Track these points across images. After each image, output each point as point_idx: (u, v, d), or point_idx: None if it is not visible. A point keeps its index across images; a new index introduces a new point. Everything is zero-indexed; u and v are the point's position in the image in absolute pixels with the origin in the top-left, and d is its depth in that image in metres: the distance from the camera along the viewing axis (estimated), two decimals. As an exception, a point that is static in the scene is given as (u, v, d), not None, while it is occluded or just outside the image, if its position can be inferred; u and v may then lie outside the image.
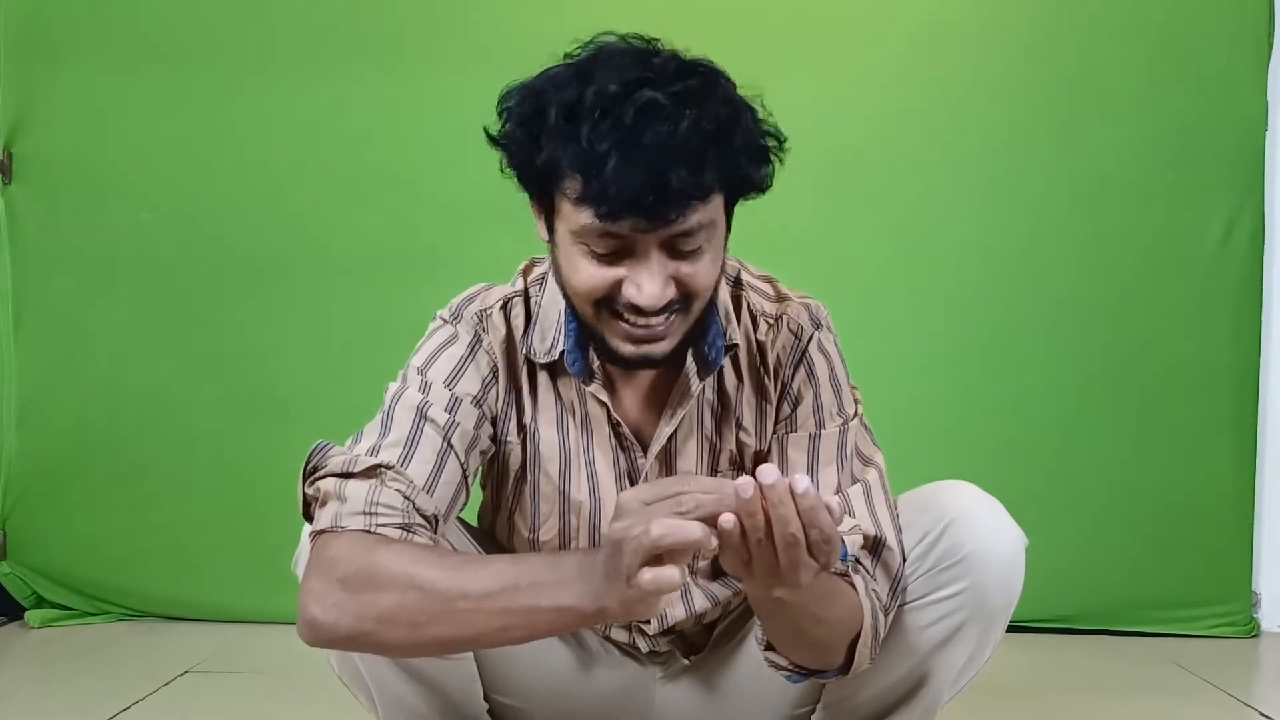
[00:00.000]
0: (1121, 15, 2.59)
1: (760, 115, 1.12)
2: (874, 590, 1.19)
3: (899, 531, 1.24)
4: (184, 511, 2.61)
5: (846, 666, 1.19)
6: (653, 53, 1.08)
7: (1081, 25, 2.60)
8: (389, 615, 1.01)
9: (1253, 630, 2.62)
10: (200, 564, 2.61)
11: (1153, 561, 2.60)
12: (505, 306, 1.27)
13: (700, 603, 1.39)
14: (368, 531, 1.08)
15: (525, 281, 1.29)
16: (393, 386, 1.25)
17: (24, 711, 1.97)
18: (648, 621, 1.39)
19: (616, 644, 1.43)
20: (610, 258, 1.07)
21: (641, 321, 1.09)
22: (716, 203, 1.08)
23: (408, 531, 1.10)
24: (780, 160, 1.13)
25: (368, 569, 1.03)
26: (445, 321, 1.28)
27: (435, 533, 1.14)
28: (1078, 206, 2.61)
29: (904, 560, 1.24)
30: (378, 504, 1.10)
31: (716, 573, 1.38)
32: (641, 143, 1.00)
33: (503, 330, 1.26)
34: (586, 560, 0.97)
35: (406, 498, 1.12)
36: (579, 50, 1.10)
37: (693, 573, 1.37)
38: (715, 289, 1.17)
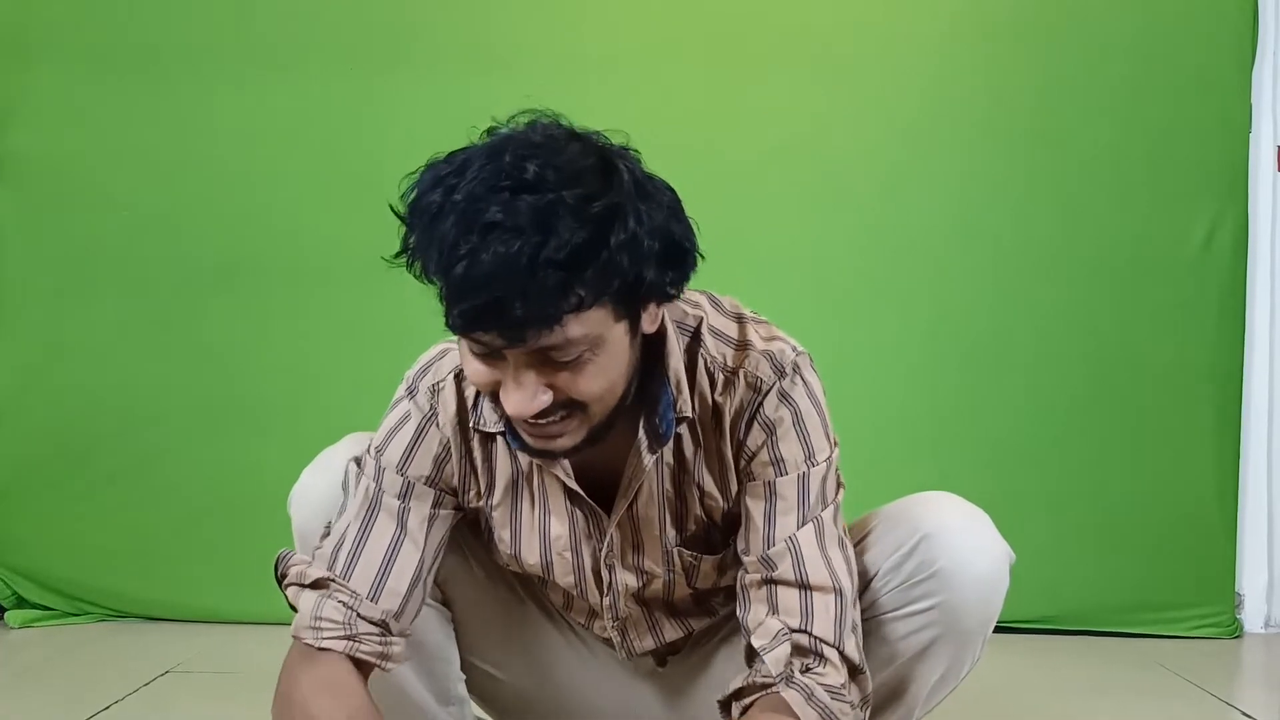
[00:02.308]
0: (1104, 18, 2.60)
1: (668, 216, 1.02)
2: (823, 686, 1.12)
3: (851, 570, 1.20)
4: (164, 513, 2.60)
5: None
6: (536, 155, 0.97)
7: (1063, 29, 2.61)
8: None
9: (1236, 631, 2.63)
10: (180, 565, 2.59)
11: (1136, 563, 2.60)
12: (459, 377, 1.24)
13: (672, 634, 1.38)
14: (311, 645, 1.17)
15: None
16: (353, 468, 1.26)
17: (2, 712, 1.95)
18: (614, 647, 1.40)
19: (598, 635, 1.43)
20: (486, 358, 1.03)
21: (530, 422, 1.06)
22: (595, 316, 0.99)
23: (352, 640, 1.17)
24: (694, 266, 1.06)
25: (298, 704, 1.16)
26: (403, 395, 1.26)
27: (388, 632, 1.20)
28: (1060, 211, 2.61)
29: (874, 568, 1.23)
30: (321, 618, 1.18)
31: (695, 602, 1.37)
32: (480, 260, 0.93)
33: (453, 405, 1.23)
34: None
35: (349, 607, 1.18)
36: (502, 125, 1.04)
37: (669, 612, 1.36)
38: (649, 365, 1.13)
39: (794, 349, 1.21)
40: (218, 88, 2.60)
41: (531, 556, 1.29)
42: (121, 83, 2.61)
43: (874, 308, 2.61)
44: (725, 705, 1.18)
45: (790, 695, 1.11)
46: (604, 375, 1.04)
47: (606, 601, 1.31)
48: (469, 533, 1.35)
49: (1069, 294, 2.61)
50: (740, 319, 1.23)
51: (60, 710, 1.94)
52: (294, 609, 1.21)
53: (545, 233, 0.93)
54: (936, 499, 1.27)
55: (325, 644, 1.16)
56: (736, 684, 1.16)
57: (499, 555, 1.33)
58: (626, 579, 1.29)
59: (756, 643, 1.16)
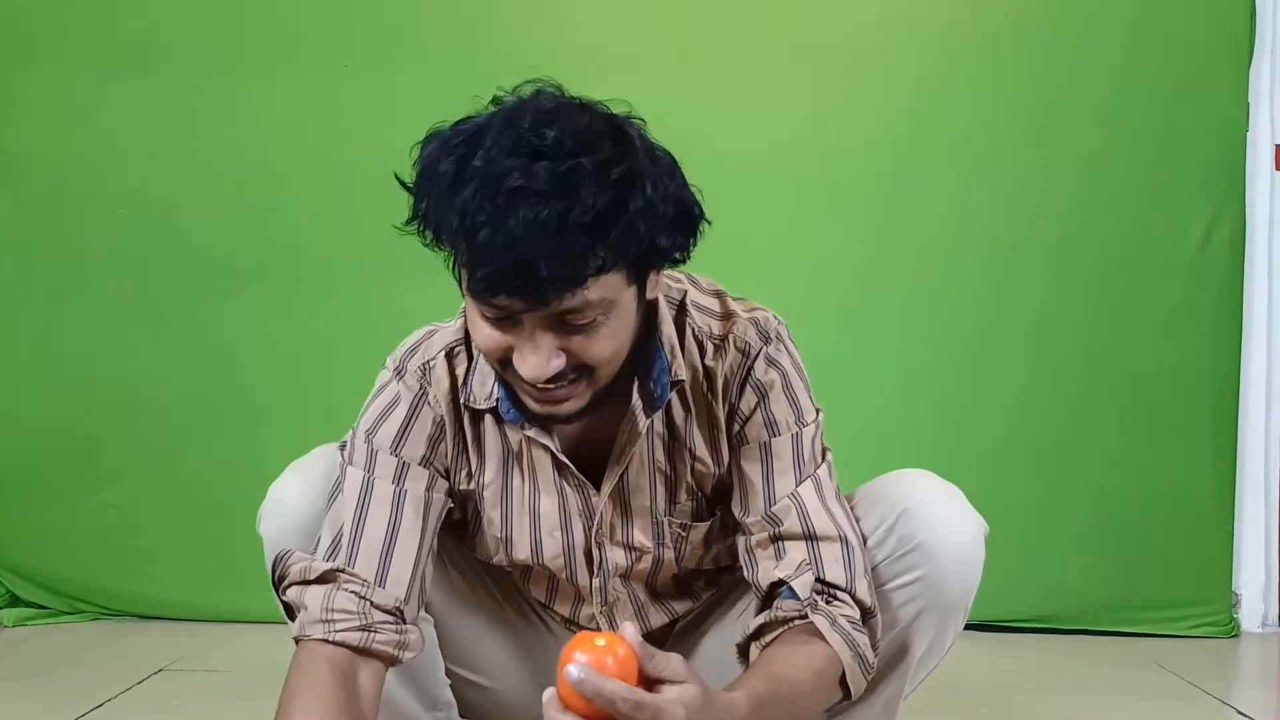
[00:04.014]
0: (1101, 17, 2.60)
1: (677, 184, 1.06)
2: (844, 616, 1.16)
3: (852, 520, 1.24)
4: (159, 511, 2.60)
5: (848, 693, 1.18)
6: (553, 121, 0.99)
7: (1061, 28, 2.60)
8: None
9: (1233, 630, 2.62)
10: (175, 564, 2.59)
11: (1133, 562, 2.60)
12: (449, 355, 1.25)
13: (657, 620, 1.40)
14: (326, 640, 1.13)
15: (467, 321, 1.24)
16: (341, 458, 1.25)
17: (-5, 710, 1.95)
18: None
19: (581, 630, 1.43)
20: (500, 323, 1.04)
21: (540, 386, 1.07)
22: (611, 281, 1.02)
23: (368, 631, 1.14)
24: (701, 231, 1.09)
25: (286, 691, 1.11)
26: (390, 377, 1.26)
27: (402, 620, 1.17)
28: (1057, 210, 2.61)
29: (864, 542, 1.24)
30: (333, 610, 1.14)
31: (678, 587, 1.38)
32: (507, 225, 0.95)
33: (446, 382, 1.24)
34: None
35: (362, 598, 1.15)
36: (505, 94, 1.05)
37: (654, 595, 1.37)
38: (643, 332, 1.14)
39: (775, 317, 1.26)
40: (215, 85, 2.60)
41: (522, 537, 1.29)
42: (118, 81, 2.60)
43: (870, 307, 2.61)
44: (744, 649, 1.19)
45: (818, 620, 1.14)
46: (614, 339, 1.07)
47: (596, 583, 1.32)
48: (445, 537, 1.34)
49: (1067, 293, 2.61)
50: (719, 294, 1.28)
51: (54, 708, 1.93)
52: (291, 615, 1.18)
53: (570, 197, 0.96)
54: (913, 476, 1.30)
55: (339, 637, 1.13)
56: (758, 622, 1.18)
57: (484, 545, 1.33)
58: (616, 557, 1.30)
59: (780, 574, 1.18)
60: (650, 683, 0.93)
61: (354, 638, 1.13)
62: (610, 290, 1.02)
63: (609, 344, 1.06)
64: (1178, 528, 2.60)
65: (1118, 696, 2.15)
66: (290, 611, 1.18)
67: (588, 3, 2.61)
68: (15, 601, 2.61)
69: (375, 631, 1.14)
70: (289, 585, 1.18)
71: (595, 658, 0.90)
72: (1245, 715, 2.04)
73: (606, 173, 0.97)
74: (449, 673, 1.41)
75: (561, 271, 0.97)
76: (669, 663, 0.94)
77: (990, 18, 2.60)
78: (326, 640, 1.13)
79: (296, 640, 1.15)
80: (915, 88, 2.61)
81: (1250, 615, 2.68)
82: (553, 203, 0.95)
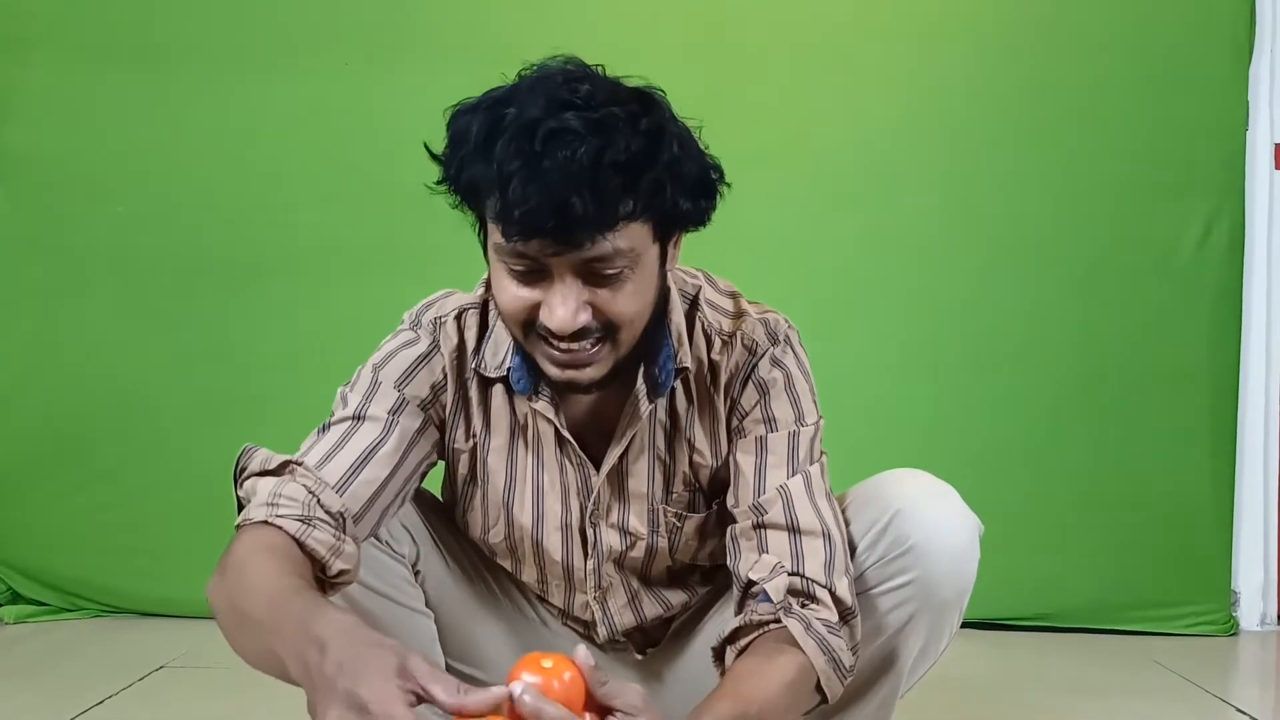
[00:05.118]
0: (1100, 13, 2.60)
1: (699, 149, 1.12)
2: (819, 620, 1.15)
3: (839, 518, 1.23)
4: (158, 508, 2.60)
5: (825, 698, 1.17)
6: (584, 79, 1.05)
7: (1058, 24, 2.60)
8: (223, 611, 1.05)
9: (1231, 629, 2.63)
10: (175, 561, 2.58)
11: (1132, 560, 2.60)
12: (459, 317, 1.28)
13: (651, 610, 1.40)
14: (265, 523, 1.09)
15: (486, 292, 1.28)
16: (343, 388, 1.27)
17: (-5, 708, 1.96)
18: (593, 633, 1.41)
19: (575, 625, 1.45)
20: (528, 278, 1.07)
21: (563, 345, 1.09)
22: (639, 232, 1.06)
23: (306, 524, 1.10)
24: (721, 195, 1.13)
25: (235, 566, 1.05)
26: (405, 326, 1.30)
27: (343, 531, 1.13)
28: (1056, 207, 2.61)
29: (850, 545, 1.24)
30: (280, 495, 1.12)
31: (672, 578, 1.39)
32: (543, 166, 0.99)
33: (454, 340, 1.27)
34: (339, 636, 0.89)
35: (311, 492, 1.13)
36: (529, 69, 1.09)
37: (647, 584, 1.38)
38: (656, 316, 1.16)
39: (786, 322, 1.28)
40: (213, 83, 2.60)
41: (523, 511, 1.31)
42: (117, 78, 2.60)
43: (866, 306, 2.61)
44: (719, 653, 1.19)
45: (791, 624, 1.14)
46: (638, 296, 1.10)
47: (590, 565, 1.33)
48: (444, 530, 1.36)
49: (1065, 291, 2.61)
50: (734, 295, 1.31)
51: (54, 705, 1.94)
52: (242, 508, 1.15)
53: (605, 139, 1.00)
54: (904, 476, 1.29)
55: (278, 521, 1.09)
56: (733, 625, 1.18)
57: (485, 515, 1.33)
58: (610, 539, 1.31)
59: (754, 575, 1.18)
60: (601, 709, 0.92)
61: (293, 526, 1.08)
62: (637, 241, 1.06)
63: (633, 301, 1.09)
64: (1176, 526, 2.60)
65: (1116, 695, 2.15)
66: (241, 508, 1.16)
67: (585, 2, 2.61)
68: (16, 599, 2.61)
69: (313, 526, 1.10)
70: (247, 477, 1.17)
71: (542, 679, 0.88)
72: (1244, 713, 2.04)
73: (637, 122, 1.03)
74: (449, 668, 1.42)
75: (596, 210, 1.00)
76: (623, 692, 0.92)
77: (986, 15, 2.60)
78: (267, 522, 1.09)
79: (239, 526, 1.11)
80: (909, 85, 2.61)
81: (1249, 613, 2.68)
82: (589, 141, 0.99)
